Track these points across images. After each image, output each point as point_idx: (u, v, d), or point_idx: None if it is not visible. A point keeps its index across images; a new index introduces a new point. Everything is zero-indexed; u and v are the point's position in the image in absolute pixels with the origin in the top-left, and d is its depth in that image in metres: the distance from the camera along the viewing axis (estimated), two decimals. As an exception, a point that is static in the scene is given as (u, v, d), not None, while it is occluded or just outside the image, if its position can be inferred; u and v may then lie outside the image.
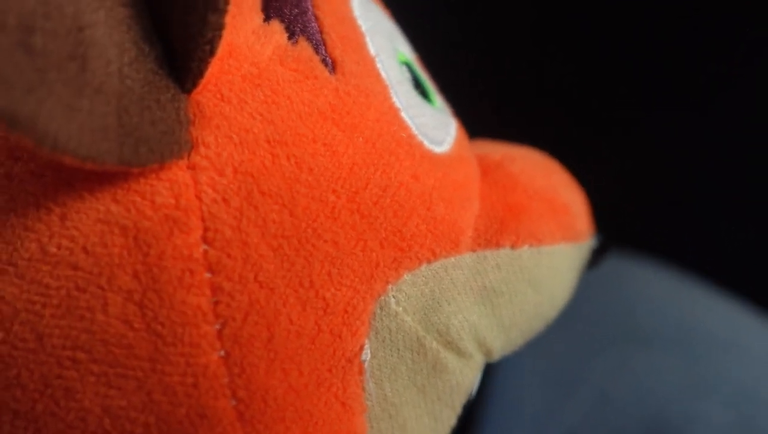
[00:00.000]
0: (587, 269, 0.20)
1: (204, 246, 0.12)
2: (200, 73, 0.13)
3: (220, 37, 0.12)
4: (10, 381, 0.12)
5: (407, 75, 0.17)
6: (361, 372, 0.14)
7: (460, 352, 0.15)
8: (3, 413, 0.12)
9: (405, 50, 0.18)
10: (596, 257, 0.20)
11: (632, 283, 0.34)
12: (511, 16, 0.42)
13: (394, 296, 0.14)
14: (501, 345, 0.17)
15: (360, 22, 0.16)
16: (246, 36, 0.14)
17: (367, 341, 0.14)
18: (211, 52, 0.12)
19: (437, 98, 0.18)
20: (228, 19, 0.13)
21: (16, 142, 0.12)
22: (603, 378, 0.30)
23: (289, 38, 0.14)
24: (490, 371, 0.39)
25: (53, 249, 0.12)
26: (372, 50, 0.16)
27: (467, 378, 0.16)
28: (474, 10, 0.42)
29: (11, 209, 0.12)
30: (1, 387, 0.12)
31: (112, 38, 0.11)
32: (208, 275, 0.12)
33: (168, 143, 0.12)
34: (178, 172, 0.13)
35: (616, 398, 0.29)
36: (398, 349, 0.15)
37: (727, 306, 0.32)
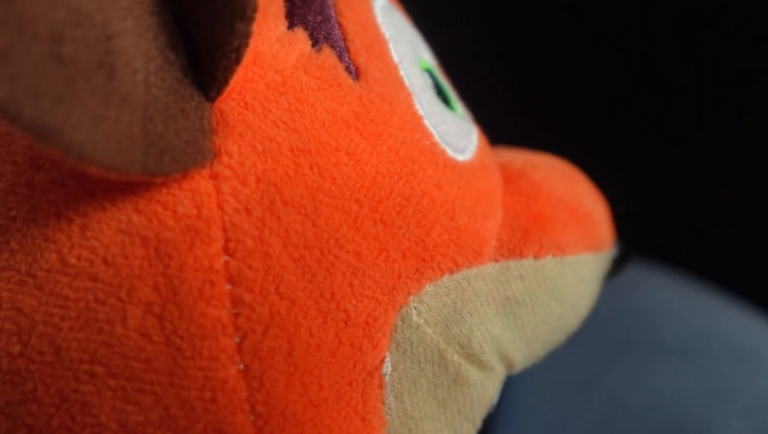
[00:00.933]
0: (608, 277, 0.20)
1: (225, 257, 0.12)
2: (225, 82, 0.12)
3: (246, 45, 0.12)
4: (26, 395, 0.12)
5: (429, 82, 0.16)
6: (381, 385, 0.14)
7: (481, 365, 0.15)
8: (18, 428, 0.12)
9: (427, 57, 0.17)
10: (618, 265, 0.20)
11: (649, 291, 0.34)
12: (526, 22, 0.42)
13: (416, 308, 0.14)
14: (523, 357, 0.16)
15: (383, 29, 0.16)
16: (270, 44, 0.14)
17: (388, 354, 0.14)
18: (237, 61, 0.12)
19: (459, 105, 0.18)
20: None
21: (40, 151, 0.12)
22: (618, 386, 0.30)
23: (313, 46, 0.14)
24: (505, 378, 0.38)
25: (73, 260, 0.12)
26: (395, 57, 0.15)
27: (488, 391, 0.16)
28: (489, 19, 0.42)
29: (32, 219, 0.12)
30: (17, 401, 0.12)
31: (139, 47, 0.11)
32: (228, 286, 0.12)
33: (192, 153, 0.12)
34: (200, 181, 0.12)
35: (630, 405, 0.29)
36: (419, 362, 0.14)
37: (744, 316, 0.32)
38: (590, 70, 0.42)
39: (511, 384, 0.36)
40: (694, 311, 0.32)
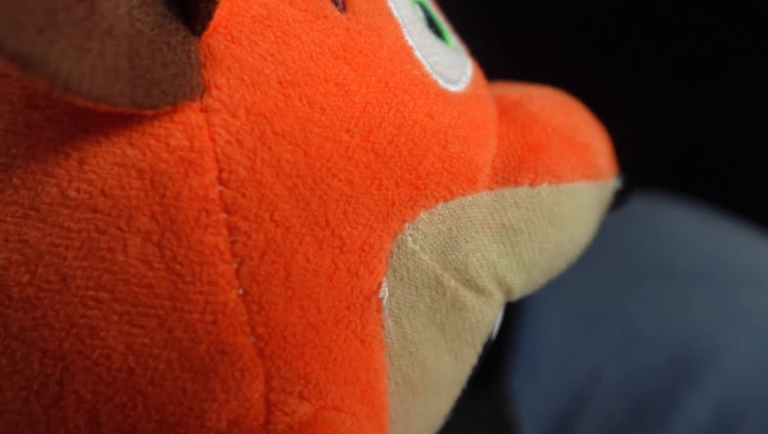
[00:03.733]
0: (611, 210, 0.20)
1: (219, 187, 0.13)
2: (209, 15, 0.13)
3: None
4: (38, 321, 0.12)
5: (420, 14, 0.16)
6: (379, 309, 0.14)
7: (478, 290, 0.16)
8: (32, 352, 0.13)
9: None
10: (621, 198, 0.20)
11: (659, 220, 0.34)
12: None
13: (411, 235, 0.15)
14: (521, 284, 0.17)
15: None
16: None
17: (384, 279, 0.14)
18: None
19: (452, 38, 0.18)
20: None
21: (33, 89, 0.13)
22: (629, 312, 0.30)
23: None
24: (518, 310, 0.39)
25: (73, 193, 0.12)
26: None
27: (487, 317, 0.16)
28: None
29: (31, 157, 0.12)
30: (29, 327, 0.12)
31: None
32: (224, 215, 0.13)
33: (180, 86, 0.12)
34: (191, 114, 0.13)
35: (641, 332, 0.29)
36: (416, 287, 0.15)
37: (754, 240, 0.32)
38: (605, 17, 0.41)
39: (526, 314, 0.37)
40: (705, 237, 0.32)
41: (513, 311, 0.39)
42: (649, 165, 0.42)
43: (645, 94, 0.43)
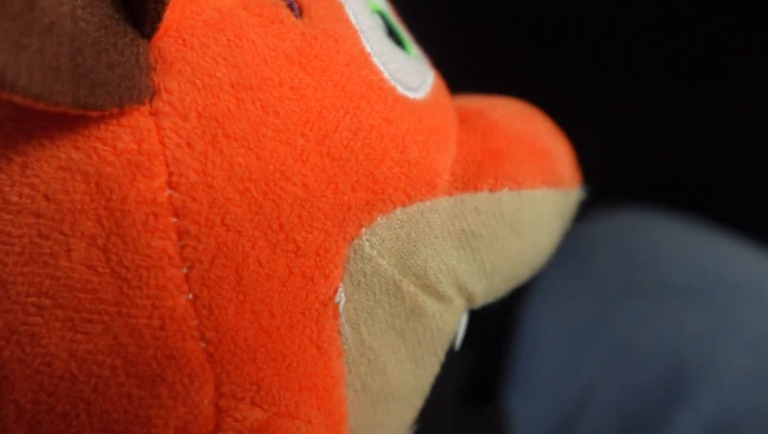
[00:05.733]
0: (575, 219, 0.20)
1: (169, 191, 0.13)
2: (158, 17, 0.12)
3: None
4: None
5: (379, 23, 0.17)
6: (336, 315, 0.14)
7: (438, 296, 0.15)
8: None
9: (377, 0, 0.17)
10: (584, 208, 0.20)
11: (652, 235, 0.34)
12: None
13: (368, 240, 0.14)
14: (483, 291, 0.16)
15: None
16: None
17: (341, 284, 0.14)
18: None
19: (413, 48, 0.18)
20: None
21: None
22: (623, 329, 0.30)
23: None
24: (514, 328, 0.39)
25: (15, 198, 0.12)
26: None
27: (448, 323, 0.16)
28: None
29: None
30: None
31: None
32: (173, 219, 0.13)
33: (127, 88, 0.12)
34: (140, 118, 0.13)
35: (635, 346, 0.29)
36: (374, 293, 0.15)
37: (747, 254, 0.32)
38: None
39: (522, 335, 0.37)
40: (698, 251, 0.33)
41: (509, 329, 0.39)
42: (640, 179, 0.42)
43: (636, 106, 0.43)
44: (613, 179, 0.44)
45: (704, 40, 0.41)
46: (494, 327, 0.42)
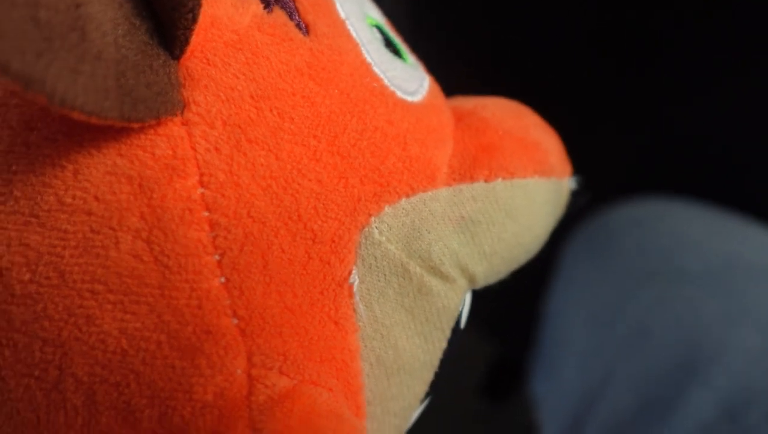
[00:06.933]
0: (570, 210, 0.22)
1: (201, 189, 0.14)
2: (186, 41, 0.14)
3: (200, 5, 0.14)
4: (38, 314, 0.14)
5: (378, 36, 0.18)
6: (351, 295, 0.16)
7: (443, 276, 0.17)
8: (34, 342, 0.14)
9: (375, 15, 0.19)
10: (577, 198, 0.22)
11: (672, 222, 0.35)
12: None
13: (377, 227, 0.16)
14: (483, 272, 0.18)
15: None
16: (226, 8, 0.16)
17: (354, 267, 0.16)
18: (194, 20, 0.14)
19: (410, 56, 0.20)
20: None
21: (30, 113, 0.14)
22: (641, 314, 0.31)
23: (265, 8, 0.16)
24: (541, 318, 0.40)
25: (69, 199, 0.14)
26: (342, 14, 0.18)
27: (452, 301, 0.18)
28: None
29: (30, 171, 0.14)
30: (30, 319, 0.14)
31: (106, 14, 0.13)
32: (206, 213, 0.14)
33: (163, 102, 0.14)
34: (173, 127, 0.14)
35: (652, 330, 0.30)
36: (384, 274, 0.16)
37: (762, 238, 0.33)
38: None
39: (548, 321, 0.38)
40: (717, 236, 0.33)
41: (535, 320, 0.40)
42: (658, 170, 0.43)
43: (652, 98, 0.43)
44: (634, 169, 0.44)
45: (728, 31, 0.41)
46: (521, 318, 0.43)
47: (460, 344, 0.19)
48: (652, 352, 0.30)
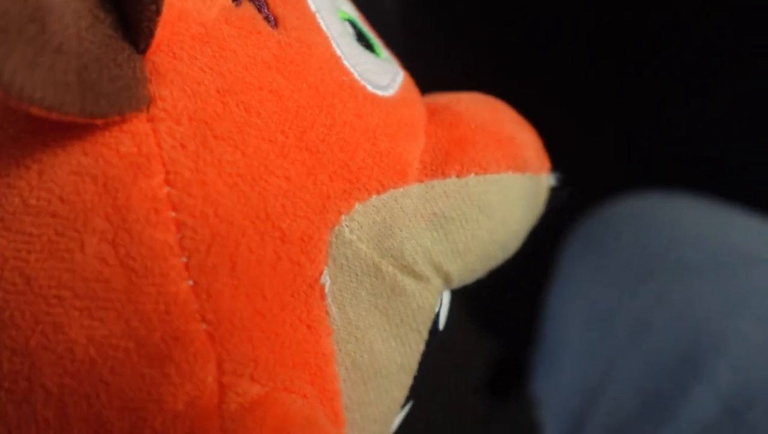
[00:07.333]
0: (549, 207, 0.21)
1: (167, 188, 0.14)
2: (150, 34, 0.14)
3: None
4: (5, 322, 0.13)
5: (349, 30, 0.18)
6: (323, 297, 0.16)
7: (416, 275, 0.17)
8: (1, 352, 0.14)
9: (347, 9, 0.19)
10: (556, 194, 0.22)
11: (670, 216, 0.35)
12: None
13: (347, 226, 0.16)
14: (458, 270, 0.18)
15: None
16: (193, 1, 0.15)
17: (325, 268, 0.16)
18: (158, 12, 0.14)
19: (383, 51, 0.19)
20: None
21: None
22: (640, 308, 0.31)
23: (233, 0, 0.16)
24: (542, 315, 0.40)
25: (33, 201, 0.14)
26: (312, 7, 0.17)
27: (428, 301, 0.17)
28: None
29: None
30: None
31: (68, 6, 0.13)
32: (172, 213, 0.14)
33: (127, 98, 0.14)
34: (138, 124, 0.14)
35: (652, 325, 0.30)
36: (356, 274, 0.16)
37: (760, 226, 0.33)
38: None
39: (548, 318, 0.38)
40: (714, 229, 0.33)
41: (536, 319, 0.40)
42: (656, 170, 0.43)
43: (649, 99, 0.43)
44: (631, 170, 0.44)
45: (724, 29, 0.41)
46: (522, 317, 0.43)
47: (441, 346, 0.19)
48: (653, 348, 0.29)
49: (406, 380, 0.18)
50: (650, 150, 0.45)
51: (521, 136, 0.19)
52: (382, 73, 0.18)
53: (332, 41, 0.17)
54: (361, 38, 0.18)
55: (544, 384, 0.37)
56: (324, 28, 0.17)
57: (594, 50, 0.44)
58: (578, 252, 0.37)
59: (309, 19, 0.17)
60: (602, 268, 0.35)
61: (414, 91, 0.19)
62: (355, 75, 0.17)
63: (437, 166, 0.17)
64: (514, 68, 0.45)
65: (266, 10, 0.16)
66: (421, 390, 0.19)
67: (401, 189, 0.17)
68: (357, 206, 0.16)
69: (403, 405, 0.19)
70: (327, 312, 0.16)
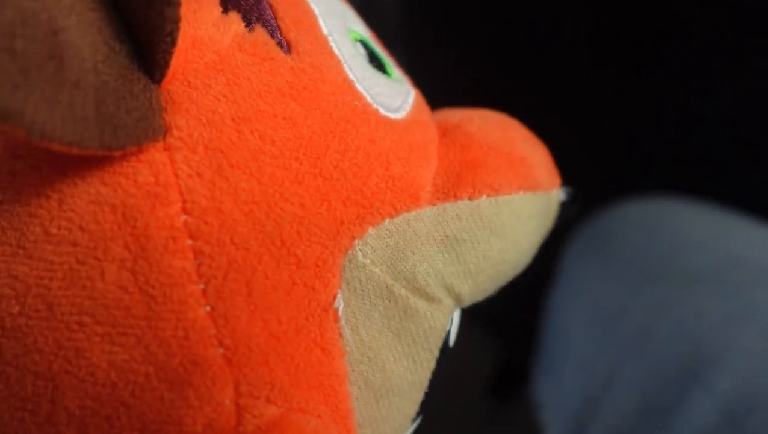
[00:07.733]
0: (560, 219, 0.22)
1: (184, 216, 0.14)
2: (166, 64, 0.14)
3: (178, 29, 0.14)
4: (29, 347, 0.14)
5: (361, 51, 0.18)
6: (336, 319, 0.16)
7: (428, 297, 0.17)
8: (26, 376, 0.14)
9: (359, 29, 0.19)
10: (566, 209, 0.22)
11: (674, 222, 0.35)
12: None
13: (360, 250, 0.16)
14: (469, 290, 0.18)
15: (312, 5, 0.18)
16: (207, 28, 0.15)
17: (339, 291, 0.16)
18: (173, 43, 0.14)
19: (395, 71, 0.19)
20: (189, 14, 0.15)
21: (15, 141, 0.14)
22: (643, 315, 0.31)
23: (246, 26, 0.16)
24: (544, 318, 0.40)
25: (54, 230, 0.14)
26: (324, 30, 0.17)
27: (439, 322, 0.17)
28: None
29: (16, 201, 0.14)
30: (21, 353, 0.14)
31: (85, 40, 0.13)
32: (189, 241, 0.14)
33: (143, 128, 0.14)
34: (155, 153, 0.14)
35: (655, 332, 0.30)
36: (370, 297, 0.16)
37: (762, 235, 0.33)
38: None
39: (551, 321, 0.38)
40: (718, 237, 0.33)
41: (538, 322, 0.40)
42: (657, 170, 0.43)
43: (650, 99, 0.43)
44: (632, 170, 0.44)
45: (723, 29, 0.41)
46: (525, 320, 0.44)
47: (451, 359, 0.19)
48: (655, 354, 0.29)
49: (417, 396, 0.18)
50: (650, 150, 0.46)
51: (533, 155, 0.20)
52: (394, 96, 0.18)
53: (345, 65, 0.17)
54: (373, 58, 0.19)
55: (547, 386, 0.37)
56: (336, 51, 0.17)
57: (594, 51, 0.44)
58: (582, 253, 0.37)
59: (321, 43, 0.17)
60: (607, 267, 0.35)
61: (425, 110, 0.19)
62: (368, 99, 0.17)
63: (449, 188, 0.18)
64: (514, 68, 0.45)
65: (279, 35, 0.16)
66: (432, 405, 0.19)
67: (414, 212, 0.17)
68: (370, 230, 0.16)
69: (414, 420, 0.19)
70: (340, 334, 0.16)
